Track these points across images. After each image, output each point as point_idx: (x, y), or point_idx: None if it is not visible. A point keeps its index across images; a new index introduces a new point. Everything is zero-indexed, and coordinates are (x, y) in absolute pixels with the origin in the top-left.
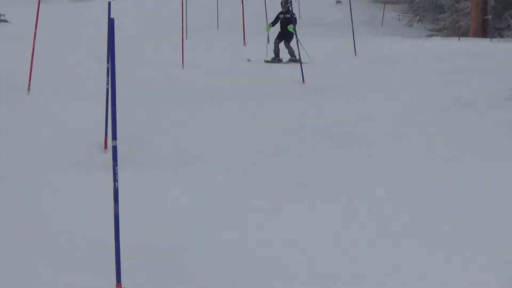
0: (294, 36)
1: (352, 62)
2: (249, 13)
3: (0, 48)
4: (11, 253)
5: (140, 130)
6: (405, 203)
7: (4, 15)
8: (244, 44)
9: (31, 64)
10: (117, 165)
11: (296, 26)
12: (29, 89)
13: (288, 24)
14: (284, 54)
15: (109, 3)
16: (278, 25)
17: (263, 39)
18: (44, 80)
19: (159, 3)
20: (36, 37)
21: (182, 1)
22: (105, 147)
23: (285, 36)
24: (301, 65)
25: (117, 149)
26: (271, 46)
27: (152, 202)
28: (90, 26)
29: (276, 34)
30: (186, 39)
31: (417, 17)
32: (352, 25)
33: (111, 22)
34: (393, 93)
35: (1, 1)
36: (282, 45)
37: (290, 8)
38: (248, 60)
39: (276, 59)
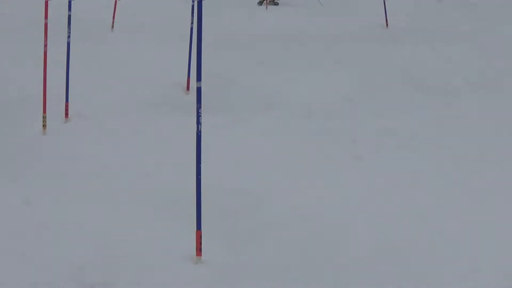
0: None
1: (435, 6)
2: None
3: None
4: (93, 193)
5: (222, 71)
6: (485, 152)
7: None
8: None
9: (115, 0)
10: (200, 108)
11: None
12: (112, 27)
13: None
14: None
15: None
16: None
17: None
18: (129, 18)
19: None
20: None
21: None
22: (187, 88)
23: None
24: (385, 7)
25: (201, 91)
26: None
27: (233, 146)
28: None
29: None
30: None
31: None
32: None
33: None
34: (479, 41)
35: None
36: None
37: None
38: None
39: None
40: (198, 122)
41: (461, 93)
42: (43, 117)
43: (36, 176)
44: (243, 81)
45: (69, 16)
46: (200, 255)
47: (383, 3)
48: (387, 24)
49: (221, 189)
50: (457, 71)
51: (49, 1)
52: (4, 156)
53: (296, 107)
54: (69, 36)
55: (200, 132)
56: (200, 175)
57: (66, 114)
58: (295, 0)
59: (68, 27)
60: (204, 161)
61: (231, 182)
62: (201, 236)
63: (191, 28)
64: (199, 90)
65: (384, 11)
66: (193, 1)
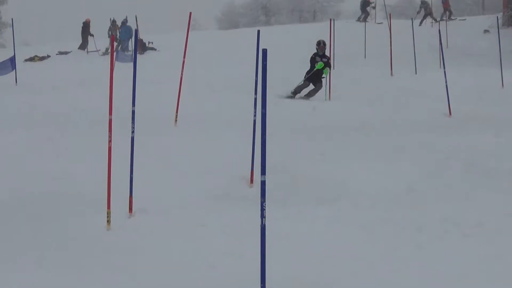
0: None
1: (499, 92)
2: (397, 42)
3: (147, 77)
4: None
5: (285, 163)
6: None
7: (152, 43)
8: (391, 74)
9: (179, 94)
10: (265, 201)
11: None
12: (176, 120)
13: (323, 70)
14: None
15: (258, 31)
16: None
17: (411, 69)
18: (191, 111)
19: (304, 31)
20: (184, 66)
21: (330, 31)
22: (251, 181)
23: (318, 80)
24: (448, 96)
25: (265, 184)
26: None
27: (298, 239)
28: (237, 54)
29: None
30: (333, 69)
31: None
32: (500, 55)
33: (263, 52)
34: None
35: (149, 29)
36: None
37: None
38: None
39: (301, 96)
40: (262, 216)
41: None
42: (107, 213)
43: (100, 272)
44: (306, 173)
45: (133, 111)
46: None
47: (446, 91)
48: (450, 112)
49: (286, 282)
50: None
51: (113, 97)
52: (68, 252)
53: (360, 197)
54: (133, 132)
55: (265, 225)
56: (264, 269)
57: (130, 209)
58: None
59: (132, 122)
60: (269, 254)
61: (297, 275)
62: None
63: (254, 121)
64: (263, 184)
65: (447, 99)
66: (255, 94)
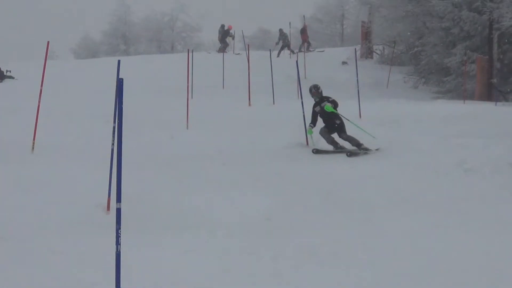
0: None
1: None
2: (255, 73)
3: (5, 105)
4: None
5: (142, 191)
6: (408, 270)
7: (10, 71)
8: (249, 104)
9: (36, 122)
10: (120, 228)
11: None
12: (33, 148)
13: (329, 113)
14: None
15: (119, 61)
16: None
17: (268, 100)
18: (49, 139)
19: (165, 62)
20: (42, 95)
21: (188, 61)
22: (108, 208)
23: (335, 129)
24: (305, 126)
25: (120, 211)
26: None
27: (153, 266)
28: (96, 84)
29: (322, 128)
30: (192, 98)
31: (423, 80)
32: (358, 87)
33: (119, 81)
34: (396, 157)
35: (7, 58)
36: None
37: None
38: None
39: (338, 145)
40: (118, 243)
41: (378, 209)
42: None
43: None
44: (164, 202)
45: None
46: None
47: (303, 121)
48: (307, 143)
49: None
50: (375, 187)
51: None
52: None
53: (217, 226)
54: None
55: (119, 252)
56: None
57: None
58: None
59: None
60: (124, 280)
61: None
62: None
63: (112, 150)
64: (118, 211)
65: (304, 129)
66: (114, 123)
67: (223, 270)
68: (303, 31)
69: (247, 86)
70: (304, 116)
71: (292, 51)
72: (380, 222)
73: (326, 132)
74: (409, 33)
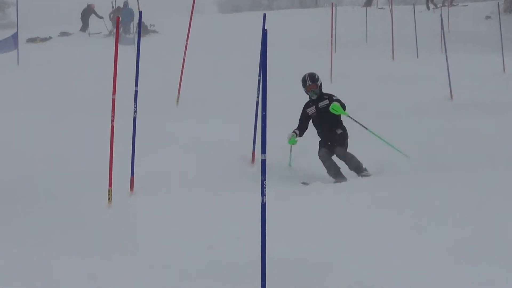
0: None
1: (500, 78)
2: (398, 27)
3: (150, 59)
4: (156, 267)
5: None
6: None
7: (154, 25)
8: (393, 58)
9: (181, 76)
10: (265, 179)
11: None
12: (177, 101)
13: (328, 117)
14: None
15: (264, 14)
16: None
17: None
18: (193, 92)
19: (308, 17)
20: (187, 48)
21: (332, 16)
22: (253, 161)
23: (333, 140)
24: (449, 80)
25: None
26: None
27: (298, 217)
28: (241, 37)
29: (318, 143)
30: (335, 52)
31: None
32: (502, 41)
33: (264, 33)
34: None
35: (151, 12)
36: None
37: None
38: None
39: (340, 177)
40: (263, 194)
41: None
42: (109, 191)
43: (101, 251)
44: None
45: (136, 92)
46: None
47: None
48: (451, 96)
49: (285, 261)
50: None
51: (117, 78)
52: (69, 230)
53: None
54: (135, 111)
55: (265, 203)
56: (265, 248)
57: (132, 188)
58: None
59: (134, 102)
60: (269, 233)
61: (295, 254)
62: None
63: (257, 103)
64: (263, 162)
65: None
66: (259, 76)
67: (361, 223)
68: None
69: (390, 40)
70: (448, 70)
71: (435, 5)
72: None
73: (328, 155)
74: None
